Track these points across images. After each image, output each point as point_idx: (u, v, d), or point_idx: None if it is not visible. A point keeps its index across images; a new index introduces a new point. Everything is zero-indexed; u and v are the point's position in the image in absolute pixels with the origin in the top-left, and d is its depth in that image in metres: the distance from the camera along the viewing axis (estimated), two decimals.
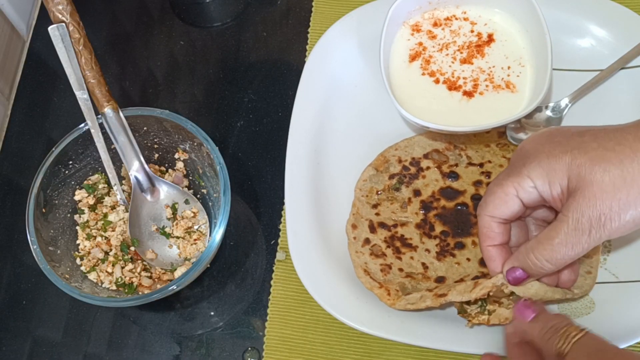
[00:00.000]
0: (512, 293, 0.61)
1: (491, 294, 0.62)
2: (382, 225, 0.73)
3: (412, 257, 0.71)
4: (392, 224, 0.73)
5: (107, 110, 0.71)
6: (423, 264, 0.71)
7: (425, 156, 0.76)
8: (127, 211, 0.76)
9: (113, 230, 0.76)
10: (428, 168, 0.75)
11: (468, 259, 0.70)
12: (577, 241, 0.55)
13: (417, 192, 0.74)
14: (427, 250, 0.72)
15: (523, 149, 0.59)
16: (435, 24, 0.79)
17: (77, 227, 0.76)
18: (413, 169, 0.75)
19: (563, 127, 0.59)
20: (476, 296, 0.62)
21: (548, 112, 0.76)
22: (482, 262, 0.69)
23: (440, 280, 0.69)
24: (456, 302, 0.64)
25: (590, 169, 0.54)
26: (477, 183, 0.74)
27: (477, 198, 0.73)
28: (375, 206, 0.74)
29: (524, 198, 0.59)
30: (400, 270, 0.70)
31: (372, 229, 0.73)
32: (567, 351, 0.53)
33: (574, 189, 0.55)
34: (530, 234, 0.65)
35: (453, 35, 0.78)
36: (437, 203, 0.74)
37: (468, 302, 0.64)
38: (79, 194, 0.76)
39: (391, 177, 0.75)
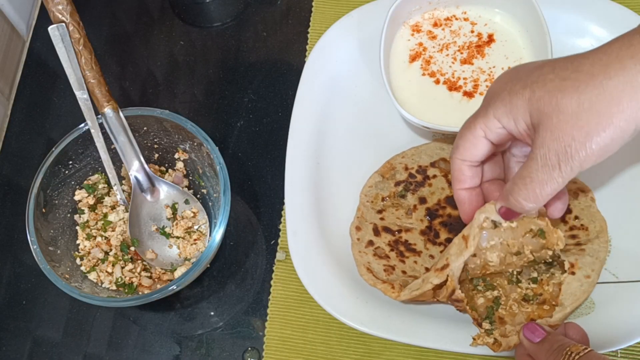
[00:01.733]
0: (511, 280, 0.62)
1: (484, 228, 0.61)
2: (387, 229, 0.73)
3: (415, 262, 0.71)
4: (397, 229, 0.73)
5: (107, 110, 0.71)
6: (427, 269, 0.70)
7: (432, 164, 0.76)
8: (127, 211, 0.76)
9: (113, 230, 0.76)
10: (435, 176, 0.75)
11: None
12: (550, 177, 0.53)
13: (422, 200, 0.74)
14: (431, 256, 0.71)
15: (491, 90, 0.58)
16: (435, 24, 0.79)
17: (77, 227, 0.76)
18: (419, 177, 0.75)
19: (528, 63, 0.58)
20: (475, 245, 0.60)
21: None
22: None
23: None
24: (471, 314, 0.63)
25: (548, 101, 0.52)
26: None
27: None
28: (380, 212, 0.74)
29: (493, 139, 0.58)
30: (404, 272, 0.70)
31: (377, 233, 0.73)
32: None
33: (537, 124, 0.53)
34: (510, 171, 0.64)
35: (453, 36, 0.78)
36: (442, 211, 0.73)
37: (480, 315, 0.63)
38: (79, 194, 0.77)
39: (397, 184, 0.75)
